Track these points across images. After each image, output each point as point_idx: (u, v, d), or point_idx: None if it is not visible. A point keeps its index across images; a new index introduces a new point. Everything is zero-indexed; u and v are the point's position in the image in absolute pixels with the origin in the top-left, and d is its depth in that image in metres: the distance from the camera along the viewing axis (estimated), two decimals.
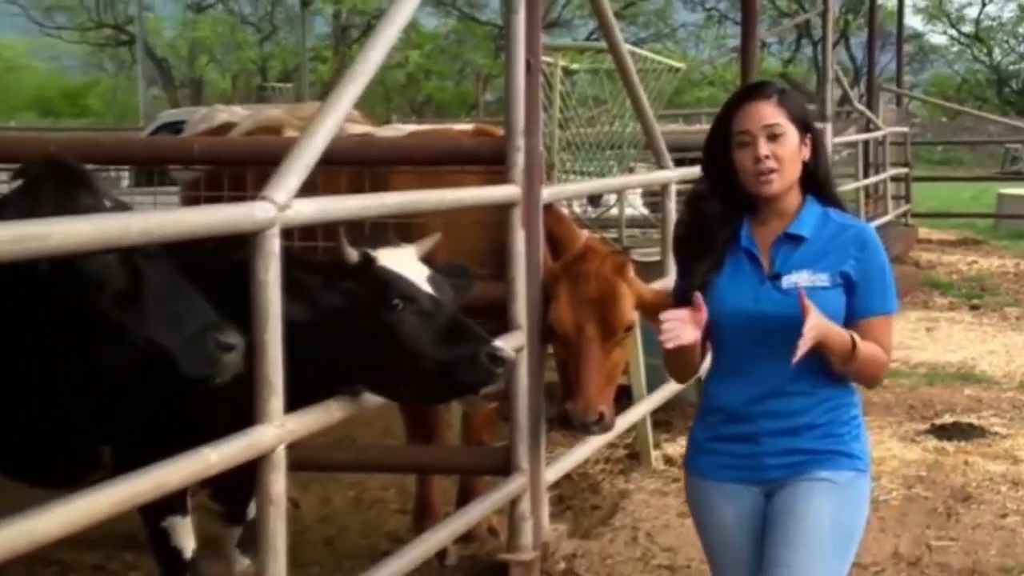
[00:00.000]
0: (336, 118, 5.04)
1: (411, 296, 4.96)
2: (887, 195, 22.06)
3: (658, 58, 10.73)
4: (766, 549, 4.35)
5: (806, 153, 4.34)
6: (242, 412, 4.47)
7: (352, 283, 5.01)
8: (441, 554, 6.89)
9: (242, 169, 7.31)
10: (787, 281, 4.27)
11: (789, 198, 4.37)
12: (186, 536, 5.46)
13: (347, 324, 4.99)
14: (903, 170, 23.82)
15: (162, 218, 4.37)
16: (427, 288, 5.00)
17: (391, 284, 4.99)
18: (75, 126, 42.85)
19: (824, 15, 19.11)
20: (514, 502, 6.73)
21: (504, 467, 6.68)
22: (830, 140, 16.92)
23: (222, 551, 6.49)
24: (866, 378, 4.43)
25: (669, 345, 4.14)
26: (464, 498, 7.50)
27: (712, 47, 55.33)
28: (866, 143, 20.97)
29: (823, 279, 4.26)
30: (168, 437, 4.32)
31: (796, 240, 4.34)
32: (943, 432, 10.08)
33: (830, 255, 4.31)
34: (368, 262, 5.00)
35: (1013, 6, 57.31)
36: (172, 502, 5.17)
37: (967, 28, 58.30)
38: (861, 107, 22.49)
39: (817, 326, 4.02)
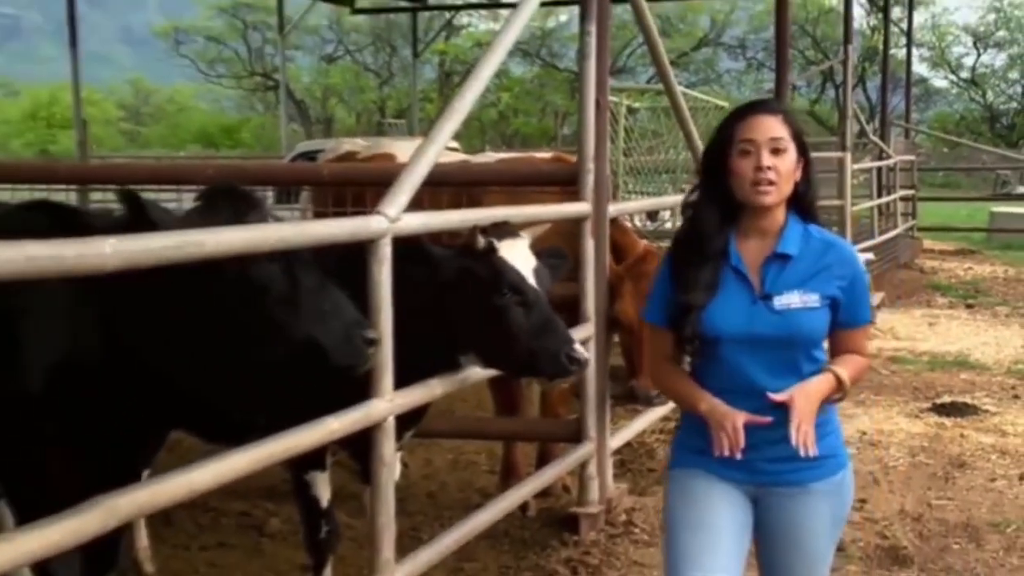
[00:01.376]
0: (438, 147, 5.06)
1: (519, 288, 4.98)
2: (897, 212, 21.88)
3: (706, 98, 10.72)
4: (769, 557, 3.98)
5: (799, 175, 3.82)
6: (361, 388, 4.54)
7: (473, 266, 5.01)
8: (523, 507, 6.89)
9: (362, 188, 7.35)
10: (779, 302, 3.76)
11: (775, 215, 3.85)
12: (324, 488, 5.50)
13: (463, 302, 5.02)
14: (910, 191, 23.60)
15: (296, 228, 4.42)
16: (532, 281, 5.03)
17: (505, 275, 5.01)
18: (231, 155, 43.22)
19: (845, 63, 19.00)
20: (584, 465, 6.74)
21: (576, 436, 6.69)
22: (849, 167, 16.78)
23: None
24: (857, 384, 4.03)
25: (726, 453, 3.68)
26: (542, 461, 7.51)
27: (751, 90, 55.11)
28: (879, 169, 20.78)
29: (813, 299, 3.77)
30: (306, 409, 4.36)
31: (784, 259, 3.82)
32: (942, 410, 10.00)
33: (818, 276, 3.81)
34: (490, 250, 5.00)
35: (1004, 56, 57.50)
36: (313, 459, 5.21)
37: (964, 74, 58.17)
38: (875, 139, 22.27)
39: (804, 415, 3.64)
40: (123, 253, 3.10)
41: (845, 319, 3.86)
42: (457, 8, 36.89)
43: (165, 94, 74.48)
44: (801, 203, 3.86)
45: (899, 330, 14.26)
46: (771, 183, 3.71)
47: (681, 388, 3.96)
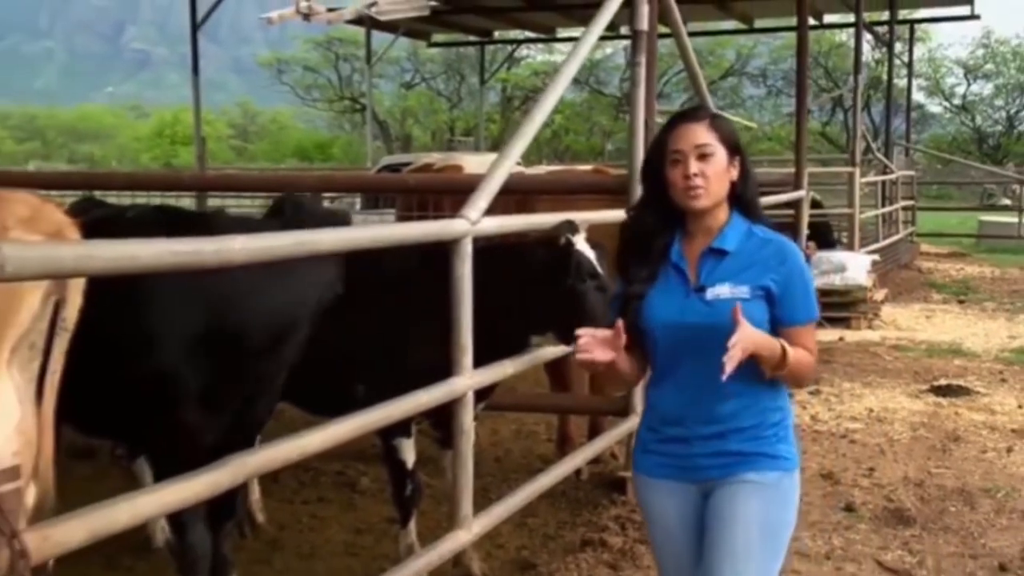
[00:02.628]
0: (510, 161, 5.08)
1: (596, 275, 5.10)
2: (899, 220, 21.80)
3: (736, 119, 10.62)
4: (703, 554, 3.53)
5: (734, 174, 3.51)
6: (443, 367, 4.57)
7: (558, 258, 5.12)
8: (578, 472, 6.88)
9: (440, 195, 7.39)
10: (711, 293, 3.44)
11: (716, 215, 3.52)
12: (409, 452, 5.53)
13: (548, 288, 5.12)
14: (910, 202, 23.57)
15: (391, 229, 4.46)
16: (600, 269, 5.10)
17: (584, 264, 5.12)
18: (323, 167, 43.62)
19: (855, 91, 18.99)
20: (630, 435, 6.71)
21: (624, 410, 6.67)
22: (858, 180, 16.68)
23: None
24: (796, 380, 3.56)
25: (579, 358, 3.38)
26: (593, 432, 7.50)
27: (771, 113, 54.85)
28: (884, 182, 20.68)
29: (743, 291, 3.41)
30: (401, 385, 4.40)
31: (720, 254, 3.50)
32: (939, 391, 9.96)
33: (751, 268, 3.46)
34: (570, 244, 5.12)
35: (991, 85, 57.39)
36: (401, 427, 5.24)
37: (956, 101, 57.92)
38: (880, 157, 22.15)
39: (744, 339, 3.22)
40: (249, 250, 3.13)
41: (783, 315, 3.46)
42: (519, 42, 36.83)
43: (268, 115, 75.05)
44: (741, 201, 3.55)
45: (900, 322, 14.19)
46: (699, 187, 3.43)
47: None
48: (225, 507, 4.56)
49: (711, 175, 3.43)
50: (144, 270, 2.59)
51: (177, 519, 4.26)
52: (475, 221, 4.56)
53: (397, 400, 4.24)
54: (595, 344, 3.38)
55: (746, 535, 3.43)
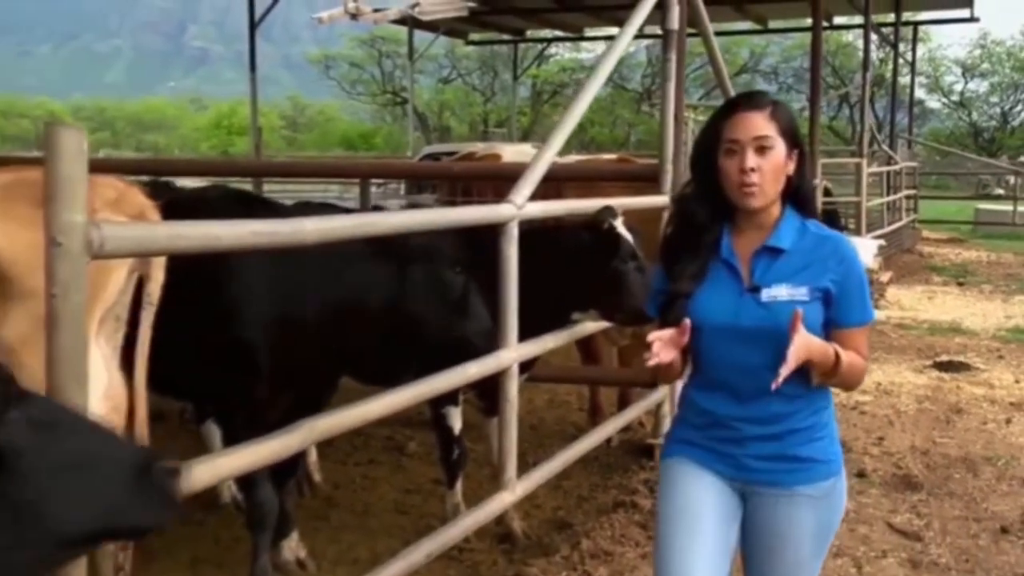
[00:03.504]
0: (553, 150, 5.03)
1: (636, 256, 5.08)
2: (902, 207, 21.69)
3: None
4: (749, 561, 3.20)
5: (791, 168, 3.03)
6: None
7: (600, 240, 5.13)
8: (608, 439, 6.84)
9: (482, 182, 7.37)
10: (767, 294, 2.97)
11: (770, 210, 3.05)
12: (456, 419, 5.52)
13: (592, 268, 5.12)
14: (912, 191, 23.35)
15: (443, 213, 4.44)
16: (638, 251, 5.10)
17: (624, 245, 5.12)
18: (367, 155, 43.69)
19: (863, 88, 18.85)
20: (658, 406, 6.68)
21: (652, 383, 6.63)
22: (865, 171, 16.54)
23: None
24: (846, 385, 3.11)
25: (650, 363, 2.90)
26: (622, 403, 7.47)
27: None
28: (888, 173, 20.51)
29: (802, 293, 2.96)
30: (450, 358, 4.38)
31: (775, 252, 3.02)
32: (941, 366, 9.89)
33: (809, 268, 3.00)
34: (612, 228, 5.13)
35: (986, 83, 57.17)
36: (450, 397, 5.23)
37: (955, 98, 57.69)
38: (886, 149, 22.02)
39: (801, 349, 2.81)
40: (321, 231, 3.11)
41: (838, 316, 3.01)
42: (549, 41, 36.79)
43: (316, 108, 75.04)
44: (796, 196, 3.08)
45: (904, 302, 14.08)
46: (755, 184, 2.96)
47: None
48: (288, 468, 4.57)
49: (768, 171, 2.97)
50: (227, 249, 2.57)
51: (247, 478, 4.27)
52: (520, 206, 4.53)
53: (448, 372, 4.22)
54: (665, 348, 2.93)
55: (802, 550, 3.07)
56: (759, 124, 2.96)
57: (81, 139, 2.14)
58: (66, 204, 2.11)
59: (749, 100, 3.06)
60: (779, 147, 2.97)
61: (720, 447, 3.08)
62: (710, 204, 3.08)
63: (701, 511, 3.08)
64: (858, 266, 3.04)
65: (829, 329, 3.00)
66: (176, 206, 3.99)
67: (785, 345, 2.80)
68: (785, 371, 2.77)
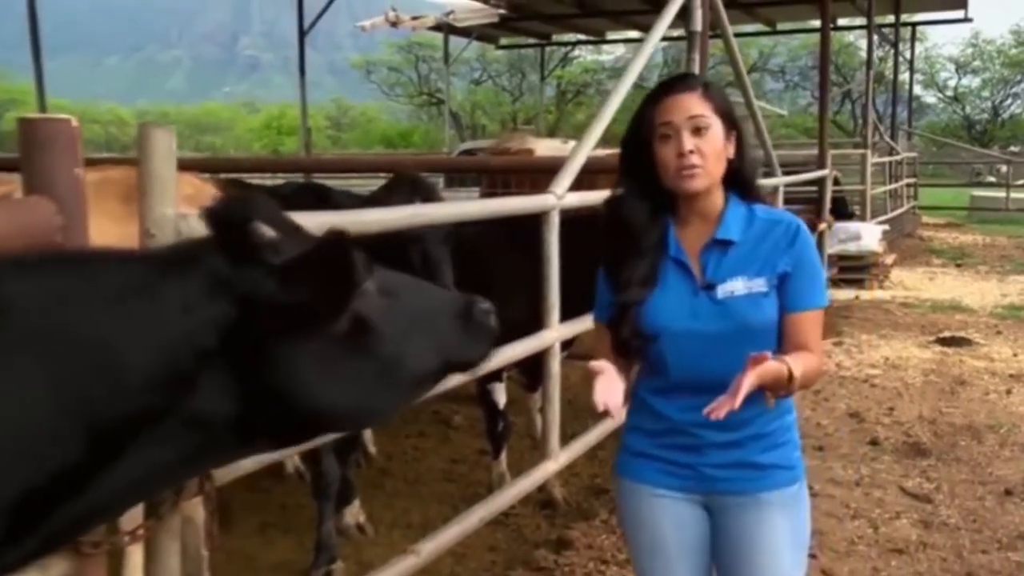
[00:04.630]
0: (589, 145, 4.99)
1: None
2: (904, 195, 21.56)
3: (768, 107, 10.47)
4: (724, 572, 2.71)
5: (731, 150, 2.59)
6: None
7: None
8: None
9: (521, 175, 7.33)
10: (722, 291, 2.53)
11: (713, 198, 2.60)
12: (501, 394, 5.51)
13: None
14: (912, 180, 23.19)
15: (490, 203, 4.40)
16: None
17: None
18: (406, 152, 43.77)
19: (867, 85, 18.74)
20: None
21: None
22: (869, 161, 16.42)
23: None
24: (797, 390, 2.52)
25: (600, 409, 2.37)
26: None
27: (789, 104, 54.21)
28: (890, 163, 20.36)
29: (759, 284, 2.53)
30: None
31: (725, 245, 2.57)
32: (944, 342, 9.78)
33: (763, 256, 2.56)
34: None
35: (978, 79, 57.05)
36: (495, 373, 5.21)
37: (949, 93, 57.50)
38: (888, 140, 21.87)
39: (750, 384, 2.28)
40: (382, 221, 3.08)
41: (789, 300, 2.56)
42: (573, 44, 36.80)
43: (358, 110, 75.11)
44: (738, 180, 2.63)
45: (907, 283, 13.96)
46: (695, 166, 2.51)
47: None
48: (350, 441, 4.56)
49: (708, 152, 2.53)
50: None
51: (312, 452, 4.26)
52: (560, 196, 4.50)
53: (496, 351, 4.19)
54: (613, 390, 2.42)
55: (779, 558, 2.63)
56: (692, 104, 2.54)
57: (171, 139, 2.13)
58: (159, 198, 2.10)
59: (680, 81, 2.66)
60: (716, 127, 2.55)
61: (677, 456, 2.64)
62: (649, 200, 2.61)
63: (673, 551, 2.69)
64: (810, 248, 2.61)
65: (780, 314, 2.56)
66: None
67: (747, 345, 2.39)
68: (726, 406, 2.26)
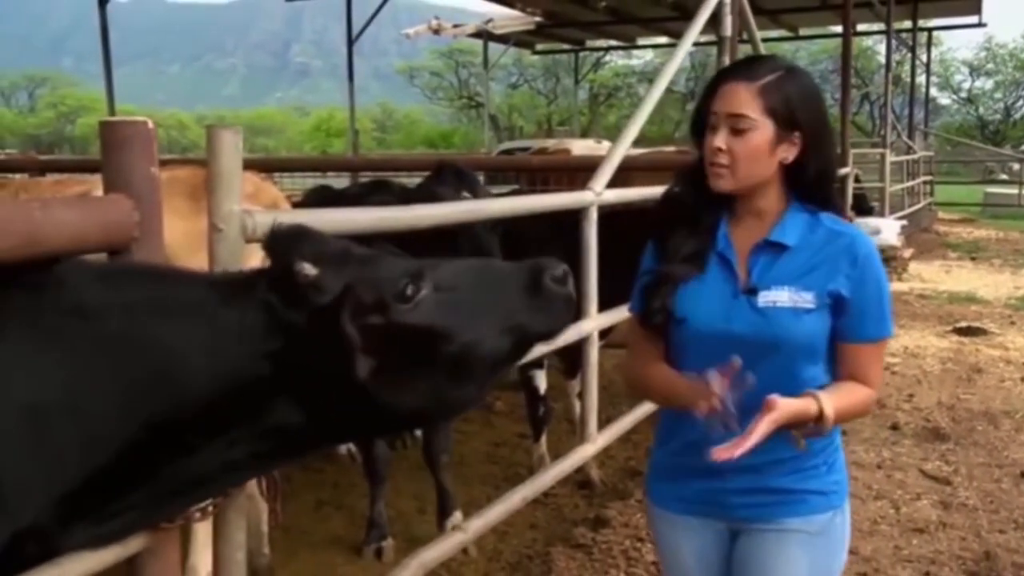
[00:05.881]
0: (626, 144, 4.95)
1: None
2: (921, 192, 21.39)
3: None
4: None
5: (792, 153, 2.16)
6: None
7: None
8: None
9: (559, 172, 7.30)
10: (764, 299, 2.15)
11: (768, 197, 2.22)
12: (542, 381, 5.48)
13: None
14: (929, 177, 22.97)
15: (535, 200, 4.39)
16: None
17: None
18: (447, 152, 43.88)
19: (885, 87, 18.54)
20: None
21: None
22: (889, 159, 16.27)
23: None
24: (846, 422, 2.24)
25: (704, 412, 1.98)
26: None
27: None
28: (908, 161, 20.17)
29: (807, 299, 2.14)
30: None
31: (778, 249, 2.20)
32: (961, 331, 9.64)
33: (818, 269, 2.16)
34: None
35: (991, 82, 56.70)
36: (536, 360, 5.18)
37: (963, 95, 57.06)
38: (906, 140, 21.68)
39: (767, 429, 1.97)
40: (435, 216, 3.07)
41: (848, 328, 2.18)
42: (605, 49, 36.83)
43: (402, 112, 75.51)
44: (802, 186, 2.22)
45: (924, 275, 13.79)
46: (721, 166, 2.16)
47: (661, 376, 2.28)
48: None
49: (740, 154, 2.15)
50: (362, 232, 2.52)
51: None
52: (599, 193, 4.46)
53: None
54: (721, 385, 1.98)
55: None
56: (741, 99, 2.15)
57: (238, 139, 2.13)
58: (226, 195, 2.10)
59: (745, 66, 2.25)
60: (761, 129, 2.15)
61: (697, 484, 2.31)
62: (706, 186, 2.23)
63: (692, 574, 2.41)
64: (875, 269, 2.20)
65: (837, 341, 2.20)
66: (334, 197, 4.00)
67: (782, 362, 2.12)
68: (736, 451, 1.94)
